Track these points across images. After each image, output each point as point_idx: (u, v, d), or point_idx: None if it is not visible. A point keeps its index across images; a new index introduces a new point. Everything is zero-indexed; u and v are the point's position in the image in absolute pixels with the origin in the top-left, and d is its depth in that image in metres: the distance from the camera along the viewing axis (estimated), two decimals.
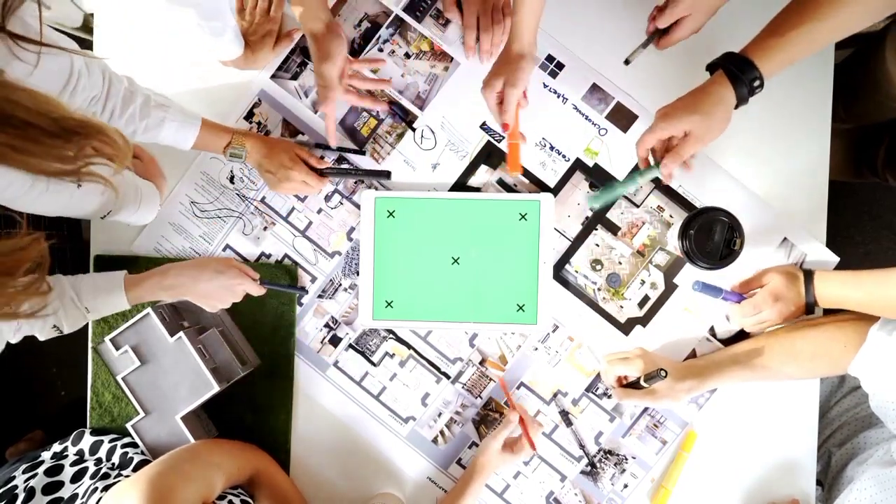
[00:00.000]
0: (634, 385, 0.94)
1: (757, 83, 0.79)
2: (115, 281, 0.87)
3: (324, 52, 0.91)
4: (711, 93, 0.81)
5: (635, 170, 0.87)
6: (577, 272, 1.00)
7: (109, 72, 0.82)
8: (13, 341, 0.80)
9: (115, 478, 0.87)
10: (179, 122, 0.89)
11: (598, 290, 1.00)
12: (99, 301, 0.86)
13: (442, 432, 1.01)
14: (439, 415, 1.01)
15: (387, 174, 1.01)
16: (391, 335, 1.01)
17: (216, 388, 0.92)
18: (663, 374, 0.86)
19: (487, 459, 0.93)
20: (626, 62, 0.95)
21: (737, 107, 0.82)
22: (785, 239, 0.99)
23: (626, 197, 1.00)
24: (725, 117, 0.81)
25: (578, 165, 1.01)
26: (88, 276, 0.87)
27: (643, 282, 1.00)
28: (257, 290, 0.96)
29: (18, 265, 0.61)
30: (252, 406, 1.00)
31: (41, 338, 0.83)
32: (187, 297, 0.92)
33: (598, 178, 1.00)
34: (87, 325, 0.99)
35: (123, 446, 0.94)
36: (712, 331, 0.99)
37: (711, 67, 0.84)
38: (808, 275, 0.90)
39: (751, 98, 0.81)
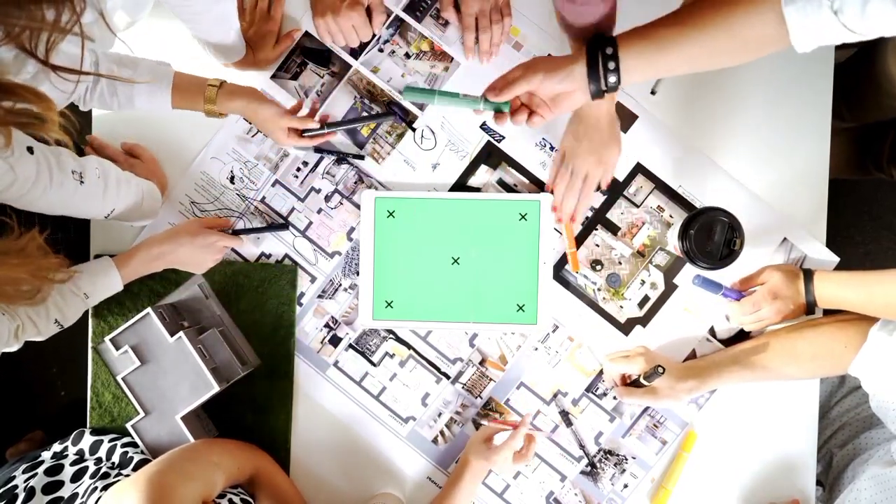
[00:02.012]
0: (635, 384, 0.94)
1: (612, 66, 0.71)
2: (106, 263, 0.89)
3: (259, 123, 0.96)
4: (564, 57, 0.75)
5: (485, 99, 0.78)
6: (577, 272, 1.00)
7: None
8: (13, 349, 0.79)
9: (115, 477, 0.87)
10: (147, 91, 0.86)
11: (598, 290, 1.00)
12: (96, 285, 0.87)
13: (442, 432, 1.01)
14: (439, 415, 1.01)
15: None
16: (391, 335, 1.01)
17: (216, 388, 0.92)
18: (661, 370, 0.86)
19: (468, 448, 0.93)
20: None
21: (593, 96, 0.74)
22: (785, 239, 0.99)
23: (625, 197, 1.00)
24: (563, 76, 0.73)
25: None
26: (78, 266, 0.88)
27: (643, 282, 1.00)
28: (234, 242, 0.98)
29: (30, 256, 0.64)
30: (252, 406, 1.00)
31: (43, 337, 0.83)
32: (174, 264, 0.95)
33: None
34: (87, 325, 0.99)
35: (123, 446, 0.94)
36: (712, 331, 0.99)
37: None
38: (808, 274, 0.90)
39: (606, 95, 0.73)
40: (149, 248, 0.93)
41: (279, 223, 1.02)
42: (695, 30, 0.69)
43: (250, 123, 1.01)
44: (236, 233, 1.01)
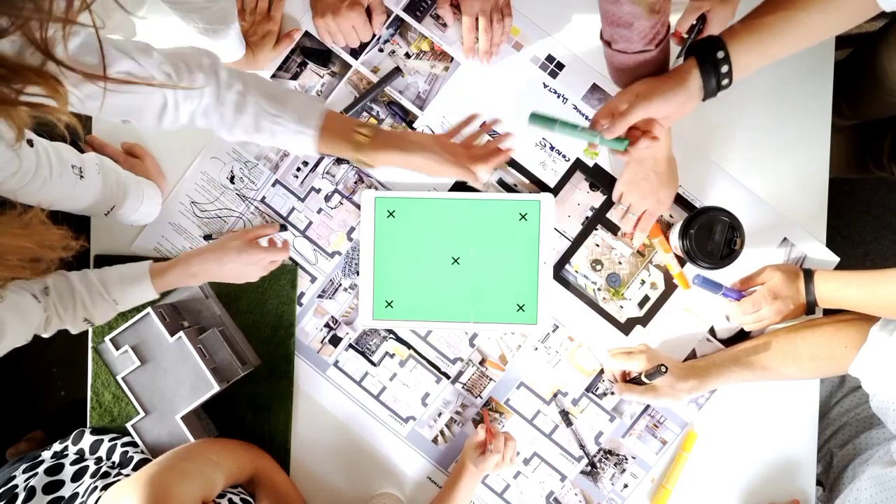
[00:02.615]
0: (636, 381, 0.94)
1: (725, 70, 0.73)
2: (141, 273, 0.86)
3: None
4: (675, 73, 0.76)
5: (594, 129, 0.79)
6: (577, 272, 1.00)
7: (219, 72, 0.77)
8: (46, 335, 0.81)
9: (115, 476, 0.87)
10: (293, 134, 0.78)
11: (598, 290, 1.00)
12: (126, 293, 0.85)
13: (442, 432, 1.01)
14: (439, 415, 1.01)
15: (398, 70, 0.99)
16: (391, 335, 1.01)
17: (216, 388, 0.92)
18: (664, 369, 0.86)
19: (465, 451, 0.94)
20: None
21: (704, 98, 0.76)
22: (785, 239, 0.99)
23: None
24: (681, 96, 0.75)
25: (578, 165, 1.01)
26: (115, 269, 0.86)
27: (643, 282, 1.00)
28: (283, 254, 0.95)
29: (34, 234, 0.64)
30: (252, 406, 1.00)
31: (74, 331, 0.84)
32: (215, 280, 0.91)
33: (599, 178, 1.00)
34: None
35: (123, 445, 0.94)
36: (712, 331, 0.99)
37: (687, 53, 0.77)
38: (808, 274, 0.90)
39: (720, 93, 0.75)
40: (187, 265, 0.88)
41: (279, 224, 1.02)
42: (801, 11, 0.71)
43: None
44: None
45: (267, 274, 0.95)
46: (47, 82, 0.55)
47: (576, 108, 1.01)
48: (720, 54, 0.72)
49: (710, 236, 0.90)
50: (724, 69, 0.73)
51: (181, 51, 0.76)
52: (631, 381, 0.96)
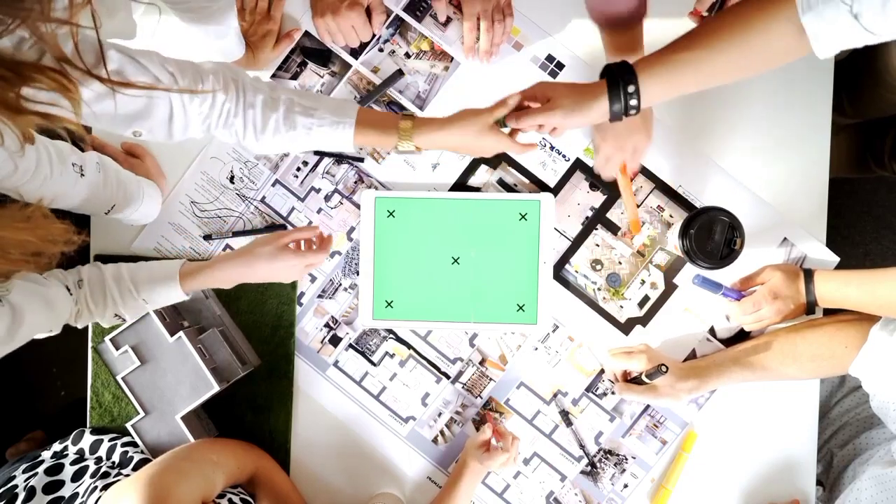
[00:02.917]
0: (636, 381, 0.94)
1: (633, 101, 0.74)
2: (171, 272, 0.85)
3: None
4: (586, 90, 0.77)
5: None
6: (577, 272, 1.00)
7: (243, 79, 0.78)
8: (79, 325, 0.82)
9: (115, 476, 0.87)
10: (329, 127, 0.80)
11: (598, 290, 1.00)
12: (155, 292, 0.85)
13: (442, 432, 1.01)
14: (439, 415, 1.01)
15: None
16: (391, 335, 1.01)
17: (216, 388, 0.92)
18: (664, 369, 0.86)
19: (467, 450, 0.94)
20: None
21: (612, 119, 0.77)
22: (785, 239, 0.99)
23: None
24: (583, 115, 0.77)
25: (578, 165, 1.01)
26: (146, 266, 0.85)
27: (643, 282, 1.00)
28: (319, 258, 0.90)
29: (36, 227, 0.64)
30: (252, 406, 1.00)
31: (105, 325, 0.85)
32: (248, 281, 0.88)
33: (599, 178, 1.00)
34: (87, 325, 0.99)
35: (123, 445, 0.94)
36: (712, 331, 0.99)
37: (604, 71, 0.78)
38: (808, 274, 0.90)
39: (625, 117, 0.76)
40: (218, 269, 0.86)
41: (276, 224, 1.02)
42: (712, 50, 0.70)
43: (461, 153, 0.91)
44: (235, 235, 1.00)
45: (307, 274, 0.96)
46: (61, 81, 0.55)
47: None
48: (630, 88, 0.73)
49: (710, 236, 0.90)
50: (633, 102, 0.74)
51: (196, 63, 0.76)
52: (631, 380, 0.96)
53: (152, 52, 0.73)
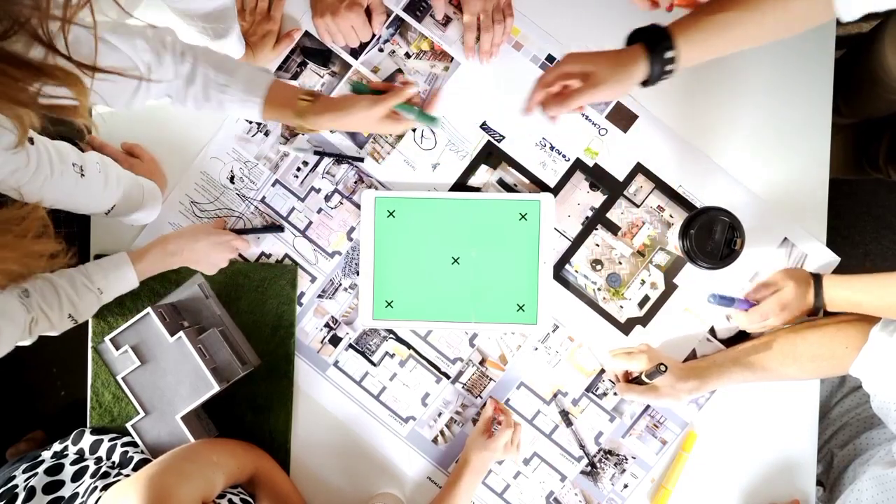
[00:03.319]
0: (637, 381, 0.94)
1: (670, 66, 0.74)
2: (121, 258, 0.89)
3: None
4: (624, 57, 0.76)
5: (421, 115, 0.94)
6: (577, 272, 1.00)
7: (171, 47, 0.80)
8: (27, 342, 0.80)
9: (115, 476, 0.87)
10: (238, 104, 0.85)
11: (598, 290, 1.00)
12: (110, 280, 0.87)
13: (442, 432, 1.01)
14: (439, 415, 1.01)
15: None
16: (391, 335, 1.01)
17: (216, 388, 0.92)
18: (663, 368, 0.86)
19: (468, 447, 0.94)
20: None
21: (644, 85, 0.77)
22: (785, 239, 0.99)
23: (625, 197, 1.00)
24: (626, 85, 0.76)
25: (578, 165, 1.01)
26: (92, 262, 0.88)
27: (643, 282, 1.00)
28: (244, 243, 0.99)
29: (28, 229, 0.65)
30: (252, 406, 1.00)
31: (57, 331, 0.83)
32: (189, 262, 0.95)
33: (599, 178, 1.00)
34: (87, 325, 0.99)
35: (123, 445, 0.94)
36: (712, 331, 0.99)
37: (633, 36, 0.78)
38: (817, 279, 0.90)
39: (660, 81, 0.76)
40: (164, 244, 0.93)
41: (275, 224, 1.02)
42: (748, 11, 0.71)
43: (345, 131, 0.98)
44: (236, 232, 1.01)
45: (234, 256, 0.99)
46: (70, 79, 0.55)
47: None
48: (669, 54, 0.73)
49: (710, 236, 0.90)
50: (669, 67, 0.74)
51: (154, 33, 0.78)
52: (632, 381, 0.96)
53: (131, 31, 0.75)
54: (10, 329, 0.74)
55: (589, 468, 0.99)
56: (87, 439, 0.95)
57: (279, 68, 1.03)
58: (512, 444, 0.94)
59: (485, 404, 1.00)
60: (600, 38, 1.00)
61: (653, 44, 0.74)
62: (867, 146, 1.33)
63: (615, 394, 0.99)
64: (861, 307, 0.86)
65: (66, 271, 0.84)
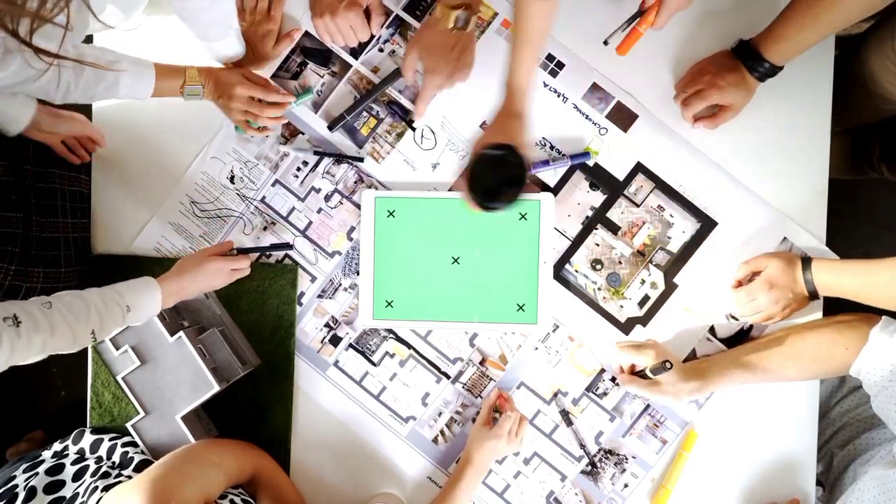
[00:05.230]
0: (641, 375, 0.94)
1: (768, 65, 0.90)
2: (149, 280, 0.87)
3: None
4: (739, 75, 0.93)
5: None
6: (577, 272, 1.00)
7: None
8: (40, 357, 0.77)
9: (115, 477, 0.87)
10: (133, 76, 0.87)
11: (599, 289, 1.00)
12: (139, 297, 0.85)
13: (442, 432, 1.01)
14: (439, 414, 1.01)
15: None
16: (391, 335, 1.01)
17: (216, 388, 0.92)
18: (668, 365, 0.86)
19: (471, 442, 0.94)
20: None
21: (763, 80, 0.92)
22: (785, 239, 0.99)
23: (625, 196, 1.00)
24: (748, 95, 0.95)
25: (579, 165, 1.01)
26: (121, 283, 0.86)
27: (643, 281, 1.00)
28: (241, 262, 0.96)
29: None
30: (252, 406, 1.00)
31: (77, 347, 0.80)
32: (191, 297, 0.93)
33: (599, 177, 1.00)
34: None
35: (124, 445, 0.94)
36: (712, 331, 0.99)
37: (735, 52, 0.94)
38: (806, 262, 0.91)
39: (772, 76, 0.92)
40: (166, 286, 0.89)
41: (284, 243, 1.01)
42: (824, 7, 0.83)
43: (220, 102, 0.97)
44: (241, 251, 0.99)
45: (232, 280, 0.96)
46: None
47: (576, 107, 1.01)
48: (762, 68, 0.91)
49: (496, 175, 0.82)
50: (764, 70, 0.92)
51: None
52: (635, 374, 0.96)
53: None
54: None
55: (589, 468, 0.99)
56: (88, 439, 0.95)
57: (279, 68, 1.03)
58: (516, 436, 0.94)
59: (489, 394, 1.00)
60: (599, 36, 1.01)
61: (747, 63, 0.92)
62: (863, 146, 1.33)
63: (618, 385, 0.98)
64: (850, 292, 0.87)
65: (94, 288, 0.83)
